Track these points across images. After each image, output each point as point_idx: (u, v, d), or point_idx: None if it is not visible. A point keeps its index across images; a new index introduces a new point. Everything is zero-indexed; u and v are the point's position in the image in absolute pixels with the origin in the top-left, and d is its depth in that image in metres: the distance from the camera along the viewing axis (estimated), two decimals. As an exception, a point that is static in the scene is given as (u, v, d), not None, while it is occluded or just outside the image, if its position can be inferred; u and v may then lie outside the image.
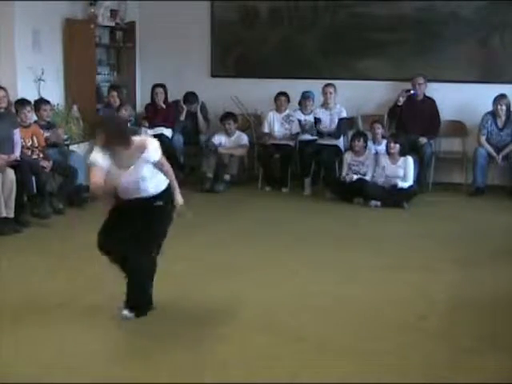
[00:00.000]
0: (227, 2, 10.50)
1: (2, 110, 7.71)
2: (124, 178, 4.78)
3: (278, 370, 4.28)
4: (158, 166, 4.86)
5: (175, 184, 5.00)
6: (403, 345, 4.67)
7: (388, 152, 8.93)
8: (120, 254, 4.91)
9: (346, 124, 9.83)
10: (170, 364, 4.32)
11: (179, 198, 4.98)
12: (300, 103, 9.95)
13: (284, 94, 9.95)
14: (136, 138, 4.88)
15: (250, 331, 4.74)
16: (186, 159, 10.10)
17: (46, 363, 4.32)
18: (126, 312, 4.99)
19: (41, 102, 8.52)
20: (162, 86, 9.88)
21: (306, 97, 9.86)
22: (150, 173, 4.83)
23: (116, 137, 4.73)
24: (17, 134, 7.76)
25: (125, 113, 9.34)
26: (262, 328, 4.86)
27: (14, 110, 8.02)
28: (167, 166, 4.97)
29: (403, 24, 10.00)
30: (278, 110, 9.98)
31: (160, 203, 4.90)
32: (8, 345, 4.58)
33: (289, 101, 9.97)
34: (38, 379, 4.10)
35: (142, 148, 4.76)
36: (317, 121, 9.73)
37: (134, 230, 4.87)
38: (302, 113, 9.91)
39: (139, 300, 5.05)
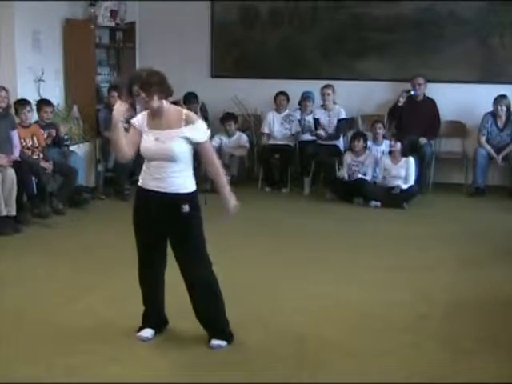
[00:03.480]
0: (227, 3, 10.50)
1: (1, 111, 7.71)
2: (155, 141, 4.36)
3: (278, 370, 4.28)
4: (201, 151, 4.44)
5: (224, 181, 4.45)
6: (403, 345, 4.67)
7: (390, 151, 8.95)
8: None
9: (345, 125, 9.82)
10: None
11: (232, 199, 4.44)
12: (300, 103, 9.96)
13: (283, 93, 9.96)
14: (184, 110, 4.51)
15: (249, 330, 4.73)
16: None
17: (47, 363, 4.33)
18: (216, 342, 4.53)
19: (43, 103, 8.52)
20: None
21: (305, 97, 9.87)
22: (183, 157, 4.38)
23: (154, 82, 4.33)
24: (15, 135, 7.77)
25: (125, 114, 9.33)
26: (260, 327, 4.85)
27: (13, 111, 8.02)
28: (214, 156, 4.48)
29: (403, 24, 10.00)
30: (278, 109, 10.00)
31: (187, 209, 4.36)
32: (8, 345, 4.59)
33: (288, 100, 9.98)
34: (37, 379, 4.11)
35: (188, 120, 4.37)
36: (316, 122, 9.73)
37: (172, 244, 4.49)
38: (303, 112, 9.92)
39: (223, 323, 4.60)
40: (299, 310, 5.28)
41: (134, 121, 4.53)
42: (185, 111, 4.48)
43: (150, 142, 4.41)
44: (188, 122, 4.38)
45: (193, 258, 4.50)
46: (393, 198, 8.73)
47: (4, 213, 7.18)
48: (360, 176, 9.01)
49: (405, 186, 8.81)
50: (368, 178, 9.02)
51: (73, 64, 9.54)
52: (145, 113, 4.52)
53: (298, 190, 9.60)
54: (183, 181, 4.43)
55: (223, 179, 4.47)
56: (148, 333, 4.69)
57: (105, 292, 5.59)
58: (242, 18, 10.51)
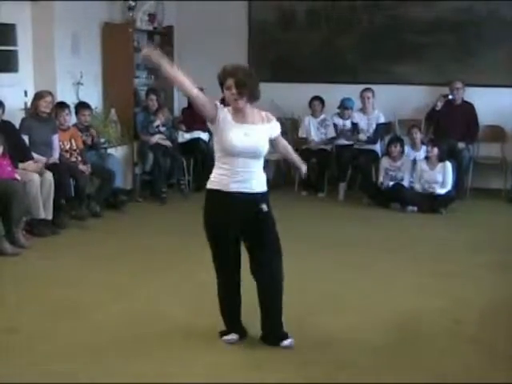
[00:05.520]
0: (264, 3, 10.52)
1: (45, 115, 7.81)
2: (244, 136, 4.43)
3: (315, 370, 4.28)
4: (276, 140, 4.73)
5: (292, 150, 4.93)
6: (439, 349, 4.63)
7: (427, 156, 8.89)
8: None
9: (383, 129, 9.80)
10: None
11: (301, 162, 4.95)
12: (340, 108, 9.94)
13: (318, 98, 9.95)
14: (261, 111, 4.75)
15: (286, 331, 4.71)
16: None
17: (82, 361, 4.37)
18: (286, 342, 4.59)
19: (81, 106, 8.61)
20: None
21: (344, 106, 9.85)
22: (264, 153, 4.53)
23: (249, 85, 4.53)
24: (56, 139, 7.88)
25: (162, 117, 9.40)
26: (297, 328, 4.82)
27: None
28: (284, 140, 4.89)
29: (441, 26, 9.93)
30: (314, 114, 9.99)
31: (265, 207, 4.47)
32: (46, 342, 4.64)
33: (323, 105, 9.97)
34: (74, 376, 4.14)
35: (268, 119, 4.69)
36: (354, 126, 9.71)
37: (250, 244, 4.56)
38: (341, 118, 9.91)
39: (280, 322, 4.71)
40: (334, 313, 5.26)
41: (218, 104, 4.56)
42: (263, 112, 4.73)
43: (238, 136, 4.43)
44: (268, 120, 4.69)
45: (270, 255, 4.59)
46: (430, 204, 8.66)
47: (42, 215, 7.26)
48: (397, 181, 8.94)
49: (442, 191, 8.74)
50: (405, 183, 8.96)
51: (111, 67, 9.60)
52: (226, 109, 4.56)
53: (334, 194, 9.57)
54: (262, 180, 4.55)
55: (292, 149, 4.94)
56: (233, 336, 4.68)
57: (141, 295, 5.60)
58: (279, 19, 10.53)
